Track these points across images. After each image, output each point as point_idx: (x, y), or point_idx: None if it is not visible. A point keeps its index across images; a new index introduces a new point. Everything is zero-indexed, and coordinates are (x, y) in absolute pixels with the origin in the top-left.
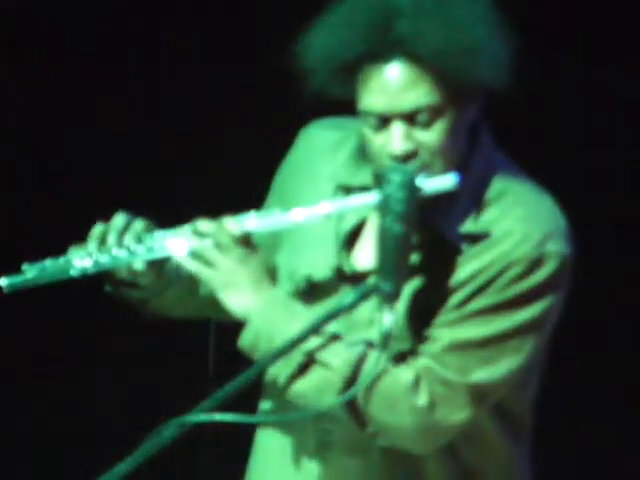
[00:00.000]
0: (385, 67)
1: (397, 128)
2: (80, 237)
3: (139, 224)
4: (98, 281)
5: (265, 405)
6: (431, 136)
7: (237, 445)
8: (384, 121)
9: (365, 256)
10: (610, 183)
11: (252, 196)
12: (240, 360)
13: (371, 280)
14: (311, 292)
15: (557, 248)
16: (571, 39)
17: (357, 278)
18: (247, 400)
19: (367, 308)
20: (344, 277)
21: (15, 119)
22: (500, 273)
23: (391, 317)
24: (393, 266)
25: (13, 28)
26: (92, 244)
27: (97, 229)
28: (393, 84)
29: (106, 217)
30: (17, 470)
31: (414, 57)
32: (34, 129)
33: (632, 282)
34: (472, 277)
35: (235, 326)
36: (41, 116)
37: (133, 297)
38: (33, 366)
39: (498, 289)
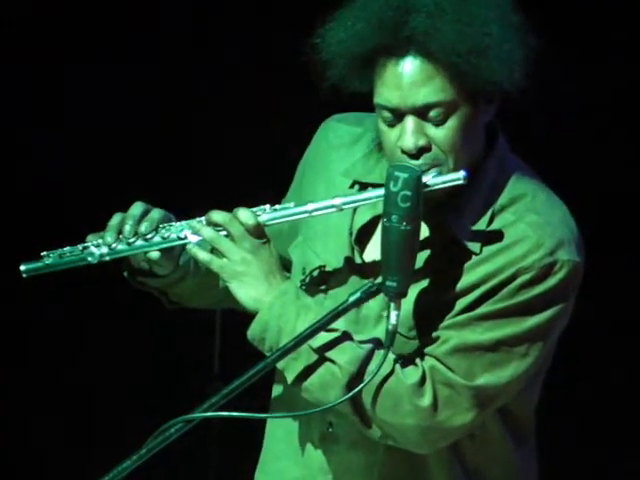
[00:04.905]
0: (400, 62)
1: (410, 123)
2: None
3: (156, 213)
4: (101, 282)
5: (276, 393)
6: (443, 133)
7: (249, 439)
8: (398, 116)
9: (378, 251)
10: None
11: (272, 189)
12: (247, 356)
13: (378, 277)
14: (322, 284)
15: (569, 256)
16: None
17: (368, 272)
18: (255, 395)
19: (376, 304)
20: (355, 271)
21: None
22: (511, 279)
23: (397, 314)
24: (398, 264)
25: None
26: (109, 232)
27: (115, 218)
28: (406, 79)
29: (124, 208)
30: (17, 471)
31: (427, 53)
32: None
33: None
34: (483, 281)
35: (244, 321)
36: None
37: (151, 286)
38: (33, 364)
39: (508, 294)
